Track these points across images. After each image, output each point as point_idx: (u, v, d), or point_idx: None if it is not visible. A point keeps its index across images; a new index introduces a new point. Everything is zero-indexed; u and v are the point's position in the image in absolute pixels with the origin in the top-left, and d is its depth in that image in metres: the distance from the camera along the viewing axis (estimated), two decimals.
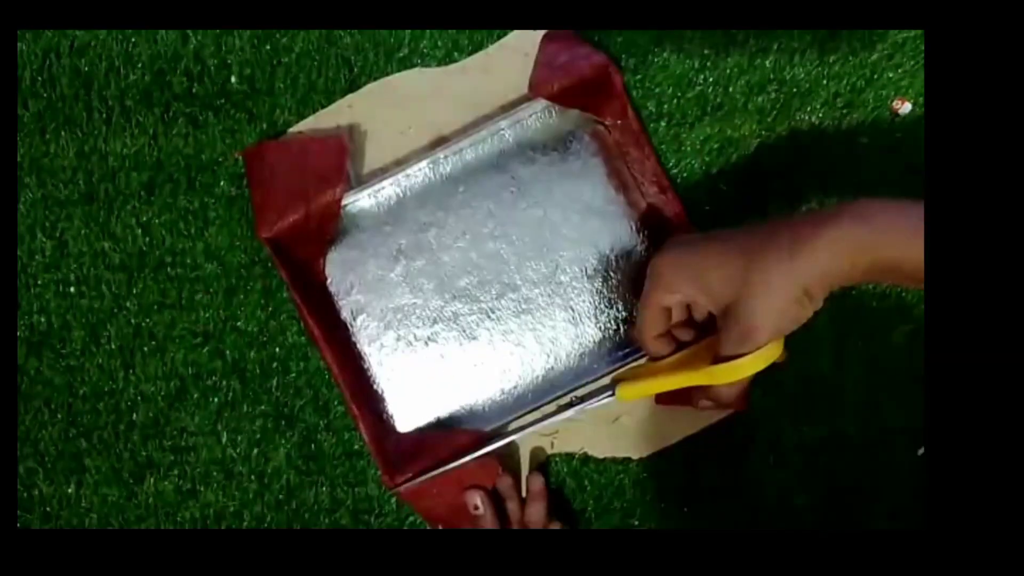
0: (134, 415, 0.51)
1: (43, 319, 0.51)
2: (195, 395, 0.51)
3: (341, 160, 0.49)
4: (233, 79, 0.52)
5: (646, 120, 0.52)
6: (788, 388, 0.52)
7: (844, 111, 0.53)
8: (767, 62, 0.53)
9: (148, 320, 0.51)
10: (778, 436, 0.52)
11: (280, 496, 0.51)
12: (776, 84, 0.53)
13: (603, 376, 0.50)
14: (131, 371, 0.51)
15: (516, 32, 0.52)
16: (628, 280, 0.51)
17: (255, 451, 0.51)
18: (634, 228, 0.51)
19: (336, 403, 0.51)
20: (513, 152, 0.51)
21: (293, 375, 0.51)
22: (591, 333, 0.51)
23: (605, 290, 0.51)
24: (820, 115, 0.53)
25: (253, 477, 0.51)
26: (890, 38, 0.53)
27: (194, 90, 0.52)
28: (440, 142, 0.52)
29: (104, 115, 0.52)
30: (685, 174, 0.52)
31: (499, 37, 0.52)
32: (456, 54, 0.52)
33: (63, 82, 0.52)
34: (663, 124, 0.53)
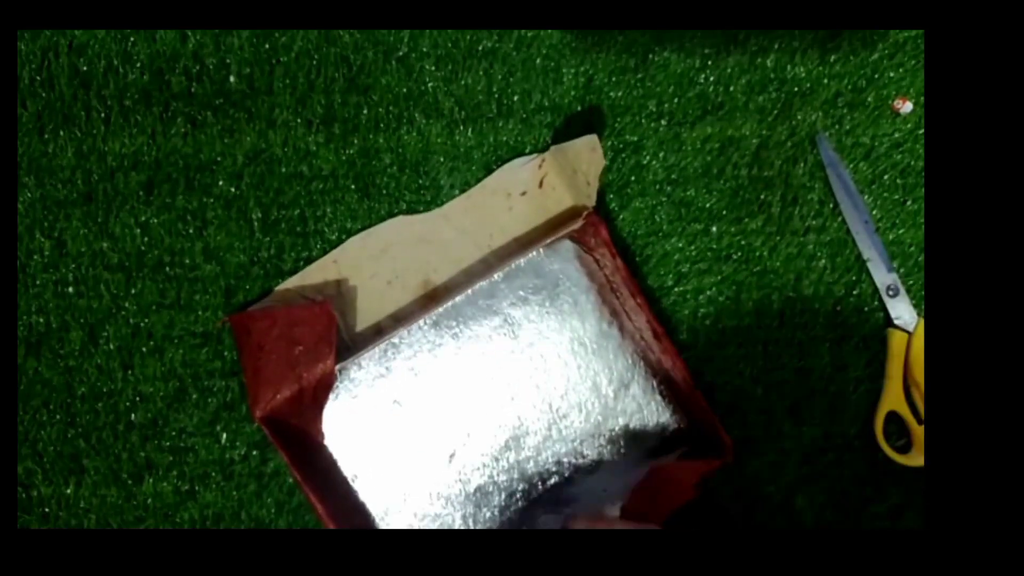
0: (133, 416, 0.51)
1: (41, 319, 0.51)
2: (194, 396, 0.51)
3: (329, 330, 0.47)
4: (232, 78, 0.52)
5: (647, 119, 0.52)
6: (787, 388, 0.52)
7: (845, 110, 0.53)
8: (768, 61, 0.53)
9: (147, 320, 0.51)
10: (778, 436, 0.52)
11: (279, 497, 0.51)
12: (777, 83, 0.53)
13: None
14: (130, 372, 0.51)
15: (496, 173, 0.51)
16: (628, 414, 0.50)
17: (254, 452, 0.51)
18: (630, 361, 0.50)
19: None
20: (504, 294, 0.50)
21: None
22: (594, 471, 0.50)
23: (606, 427, 0.50)
24: (821, 114, 0.53)
25: (252, 478, 0.51)
26: (891, 37, 0.53)
27: (193, 89, 0.52)
28: (428, 288, 0.51)
29: (103, 115, 0.52)
30: (685, 174, 0.52)
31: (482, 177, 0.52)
32: (455, 54, 0.52)
33: (62, 82, 0.52)
34: (663, 123, 0.52)
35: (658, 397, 0.51)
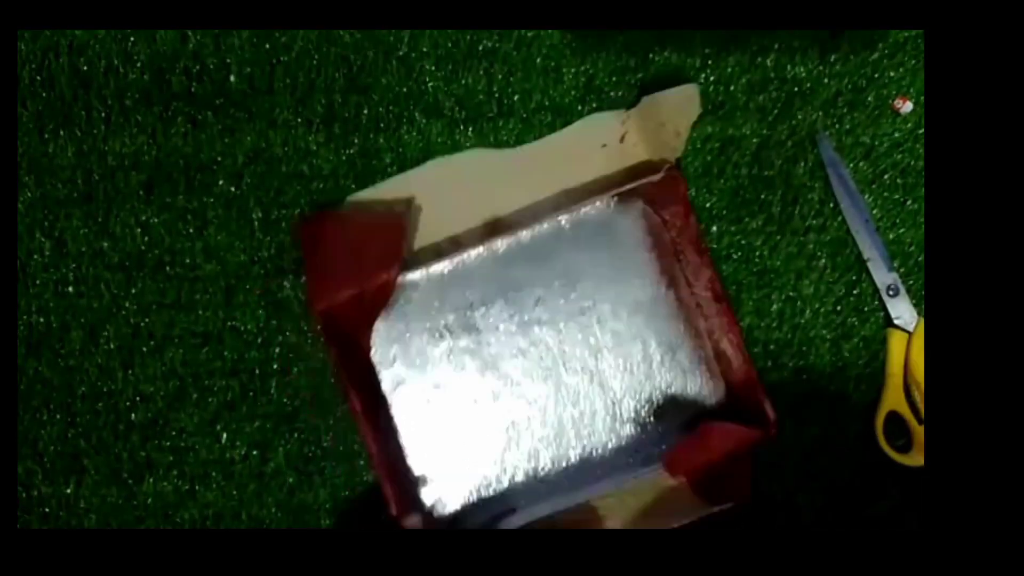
0: (133, 415, 0.51)
1: (41, 319, 0.51)
2: (194, 395, 0.51)
3: (399, 242, 0.48)
4: (232, 78, 0.52)
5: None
6: (788, 388, 0.52)
7: (845, 110, 0.53)
8: (768, 61, 0.53)
9: (147, 320, 0.51)
10: (778, 436, 0.52)
11: (280, 496, 0.51)
12: (777, 83, 0.53)
13: (636, 474, 0.49)
14: (130, 371, 0.51)
15: (577, 123, 0.51)
16: (670, 379, 0.51)
17: (254, 452, 0.51)
18: (681, 328, 0.51)
19: (336, 403, 0.51)
20: (568, 241, 0.51)
21: (293, 375, 0.51)
22: (629, 429, 0.51)
23: (647, 388, 0.51)
24: (821, 114, 0.53)
25: (252, 478, 0.51)
26: (891, 37, 0.53)
27: (193, 89, 0.52)
28: (494, 222, 0.51)
29: (103, 114, 0.52)
30: (686, 174, 0.52)
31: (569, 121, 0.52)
32: (455, 53, 0.52)
33: (62, 81, 0.52)
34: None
35: (703, 367, 0.51)
